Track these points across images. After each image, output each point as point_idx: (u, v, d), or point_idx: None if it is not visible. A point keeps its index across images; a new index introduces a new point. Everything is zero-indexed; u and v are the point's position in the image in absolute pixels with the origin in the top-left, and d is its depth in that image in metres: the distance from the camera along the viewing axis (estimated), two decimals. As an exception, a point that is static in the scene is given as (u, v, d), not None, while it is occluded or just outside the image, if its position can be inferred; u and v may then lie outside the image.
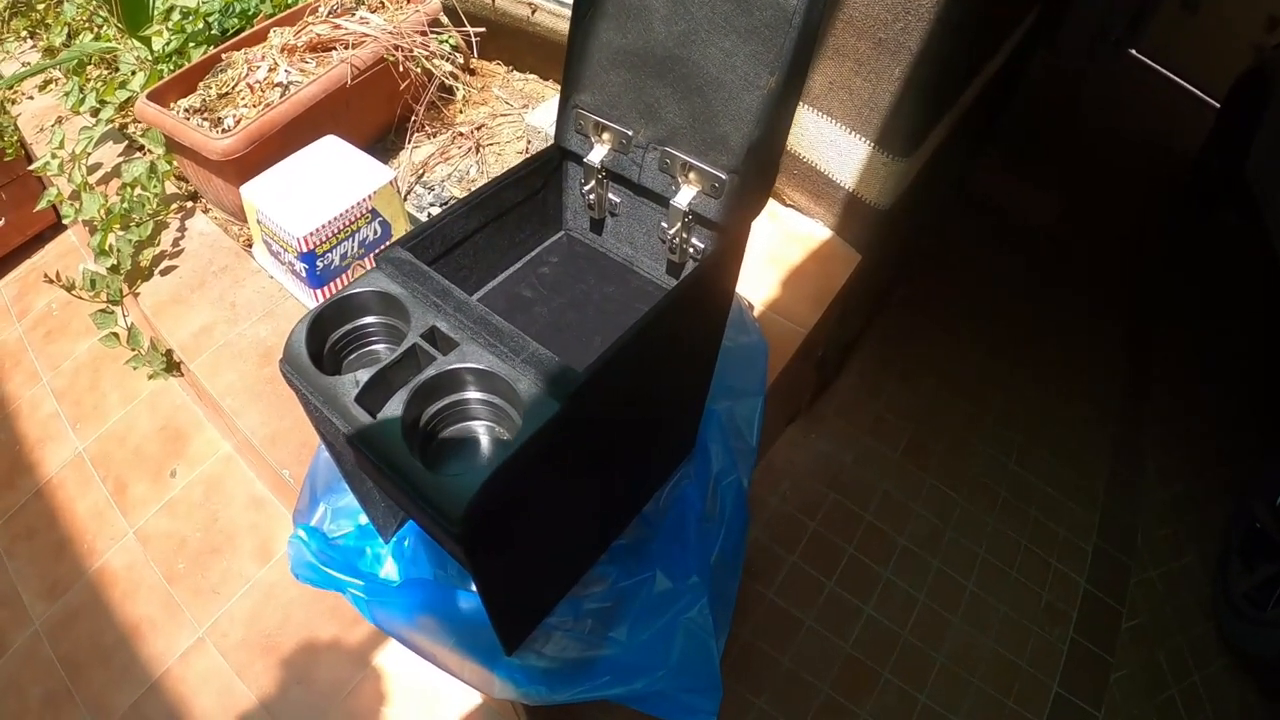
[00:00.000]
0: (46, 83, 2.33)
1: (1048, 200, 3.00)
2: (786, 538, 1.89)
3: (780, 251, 1.62)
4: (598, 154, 0.99)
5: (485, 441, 0.83)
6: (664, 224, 1.00)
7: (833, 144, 1.57)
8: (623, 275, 1.08)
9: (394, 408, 0.77)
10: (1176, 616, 1.98)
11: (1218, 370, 2.55)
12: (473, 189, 1.68)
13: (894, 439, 2.10)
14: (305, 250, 1.26)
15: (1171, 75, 3.70)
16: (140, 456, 1.97)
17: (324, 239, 1.27)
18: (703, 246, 0.99)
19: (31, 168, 1.69)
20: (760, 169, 0.89)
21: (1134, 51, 3.75)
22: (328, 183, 1.32)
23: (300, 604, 1.77)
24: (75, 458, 2.00)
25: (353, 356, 0.91)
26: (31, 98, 2.37)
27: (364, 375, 0.79)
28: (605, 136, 0.98)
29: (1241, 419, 2.40)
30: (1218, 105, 3.05)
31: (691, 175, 0.93)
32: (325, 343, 0.87)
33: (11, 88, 2.05)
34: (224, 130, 1.48)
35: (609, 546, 1.16)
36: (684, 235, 0.98)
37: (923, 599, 1.87)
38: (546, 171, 1.05)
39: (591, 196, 1.04)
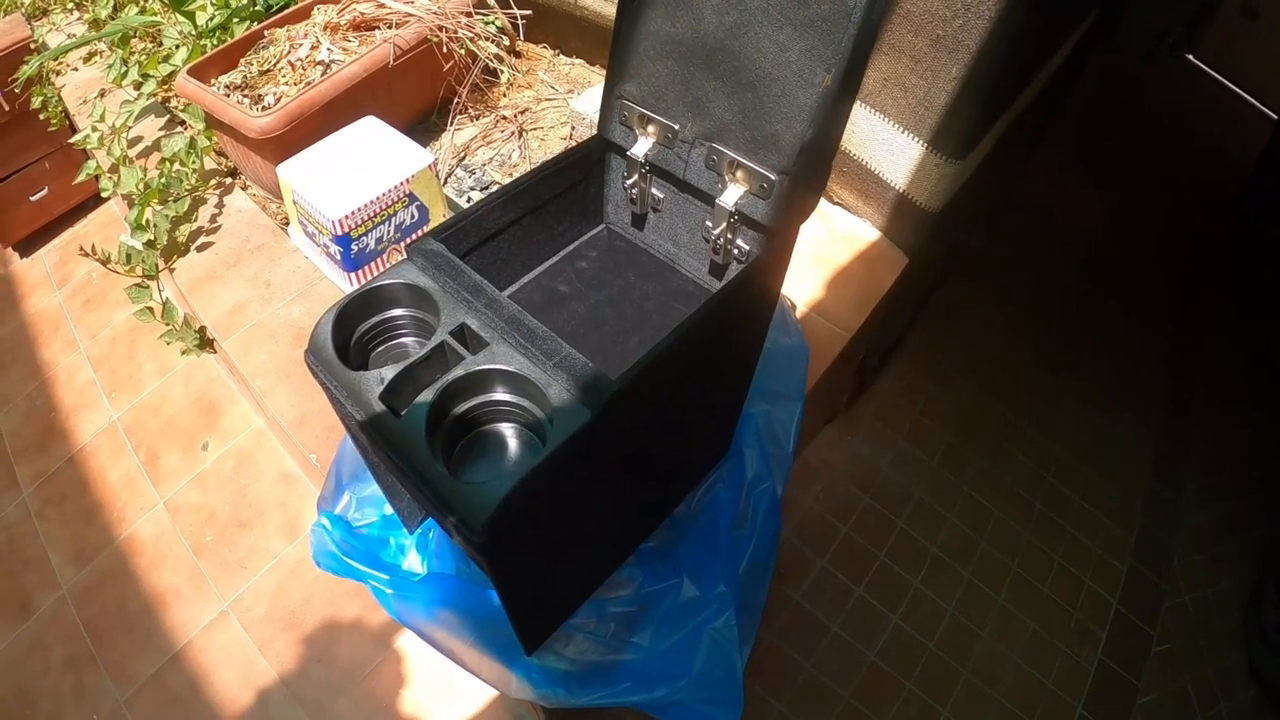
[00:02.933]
0: (91, 55, 2.33)
1: (1098, 205, 2.89)
2: (817, 541, 1.83)
3: (826, 250, 1.56)
4: (642, 147, 0.94)
5: (513, 444, 0.79)
6: (708, 223, 0.95)
7: (884, 142, 1.50)
8: (663, 273, 1.03)
9: (420, 407, 0.73)
10: (1207, 644, 1.90)
11: (1264, 391, 2.43)
12: (515, 174, 1.65)
13: (931, 445, 2.03)
14: (340, 233, 1.22)
15: (1229, 84, 3.53)
16: (173, 428, 1.97)
17: (359, 222, 1.23)
18: (748, 248, 0.93)
19: (72, 140, 1.67)
20: (812, 171, 0.84)
21: (1191, 57, 3.58)
22: (365, 165, 1.28)
23: (324, 583, 1.75)
24: (109, 426, 2.00)
25: (380, 349, 0.87)
26: (76, 69, 2.37)
27: (389, 372, 0.75)
28: (650, 129, 0.93)
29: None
30: (1275, 117, 2.91)
31: (739, 174, 0.87)
32: (353, 334, 0.84)
33: (57, 59, 2.04)
34: (264, 108, 1.45)
35: (636, 549, 1.12)
36: (729, 236, 0.93)
37: (951, 611, 1.80)
38: (588, 163, 1.00)
39: (634, 191, 0.99)
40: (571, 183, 1.00)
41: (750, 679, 1.62)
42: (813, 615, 1.76)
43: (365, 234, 1.25)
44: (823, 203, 1.64)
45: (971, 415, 2.13)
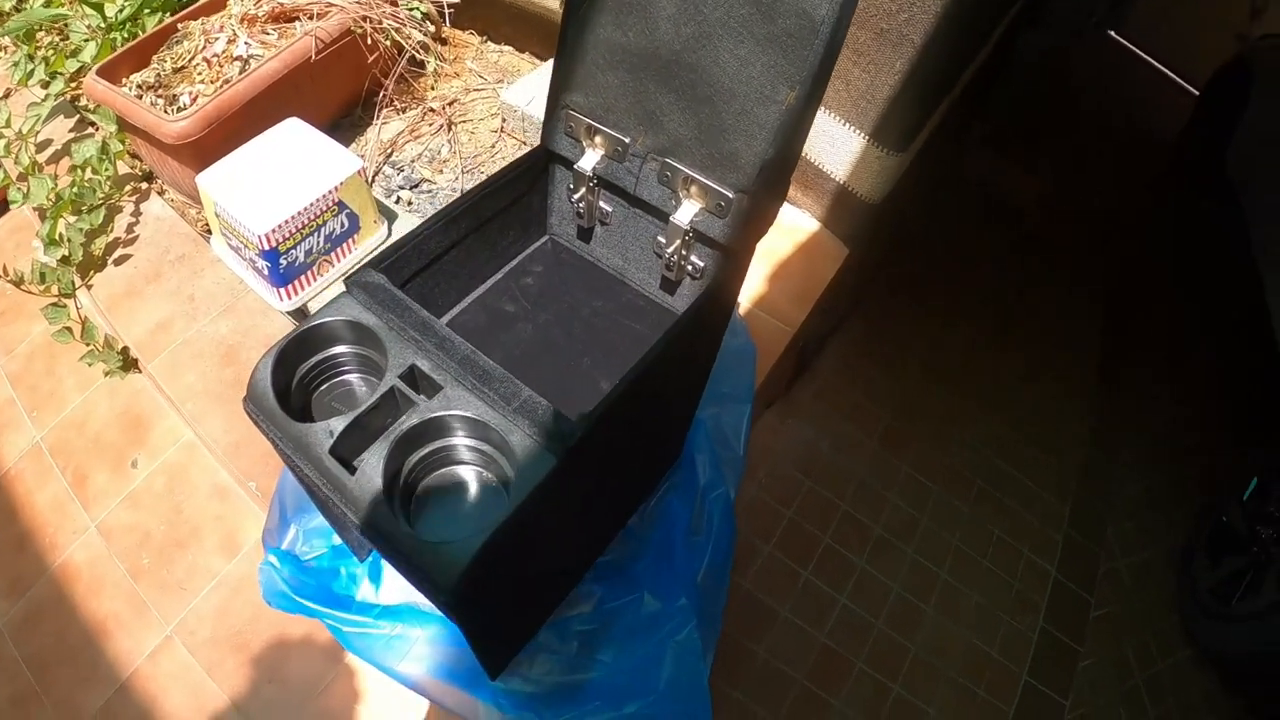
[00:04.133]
0: (-9, 53, 2.12)
1: (1029, 181, 2.94)
2: (763, 528, 1.84)
3: (766, 243, 1.52)
4: (590, 160, 0.89)
5: (473, 488, 0.75)
6: (661, 239, 0.91)
7: (825, 134, 1.48)
8: (612, 287, 0.98)
9: (373, 460, 0.68)
10: (1143, 608, 1.99)
11: (1191, 363, 2.53)
12: (444, 170, 1.57)
13: (872, 426, 2.05)
14: (267, 248, 1.14)
15: (1153, 61, 3.62)
16: (100, 446, 1.85)
17: (287, 235, 1.15)
18: (702, 264, 0.90)
19: None
20: (772, 188, 0.80)
21: (1114, 34, 3.66)
22: (291, 173, 1.19)
23: (271, 601, 1.68)
24: (33, 447, 1.86)
25: (323, 388, 0.81)
26: (-25, 70, 2.16)
27: (338, 424, 0.69)
28: (598, 141, 0.88)
29: (1212, 413, 2.39)
30: (1197, 93, 2.99)
31: (694, 190, 0.83)
32: (293, 376, 0.78)
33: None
34: (179, 109, 1.34)
35: (593, 564, 1.09)
36: (683, 253, 0.89)
37: (897, 589, 1.84)
38: (532, 176, 0.95)
39: (581, 204, 0.94)
40: (515, 196, 0.94)
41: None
42: (762, 601, 1.76)
43: (294, 247, 1.17)
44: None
45: (912, 395, 2.15)
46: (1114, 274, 2.73)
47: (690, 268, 0.91)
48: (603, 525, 1.04)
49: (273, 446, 0.75)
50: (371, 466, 0.67)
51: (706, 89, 0.77)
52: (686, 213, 0.84)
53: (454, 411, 0.70)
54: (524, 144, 1.56)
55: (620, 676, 1.04)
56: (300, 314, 1.33)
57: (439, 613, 1.04)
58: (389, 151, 1.54)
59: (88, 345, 1.43)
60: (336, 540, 1.07)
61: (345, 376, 0.80)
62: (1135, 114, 3.47)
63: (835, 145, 1.48)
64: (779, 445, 1.96)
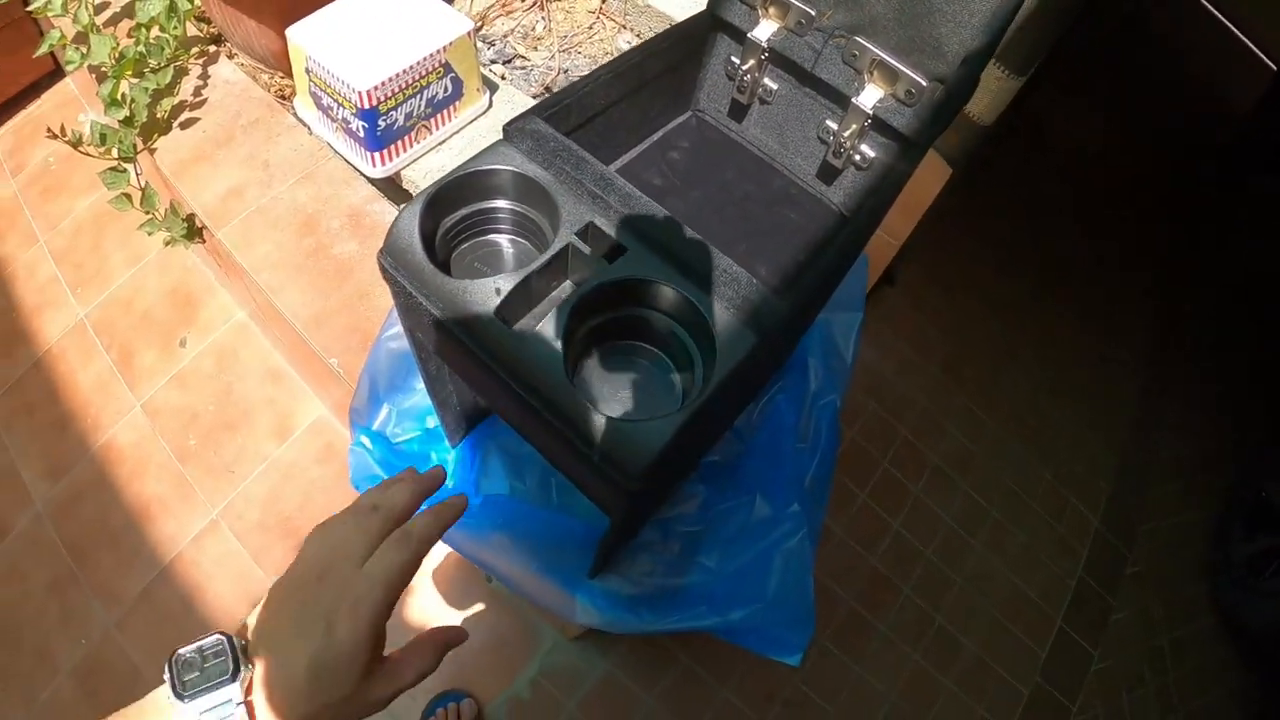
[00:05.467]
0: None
1: (1097, 131, 2.82)
2: (827, 445, 1.79)
3: (873, 158, 1.44)
4: (765, 31, 0.78)
5: (643, 367, 0.65)
6: (831, 123, 0.80)
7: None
8: (763, 173, 0.88)
9: (546, 326, 0.58)
10: (1175, 571, 1.97)
11: (1239, 336, 2.47)
12: (539, 47, 1.44)
13: (932, 353, 1.98)
14: (366, 107, 1.01)
15: (1234, 29, 3.43)
16: (148, 323, 1.74)
17: (389, 94, 1.03)
18: (872, 155, 0.79)
19: (31, 7, 1.37)
20: (969, 82, 0.70)
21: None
22: (394, 29, 1.06)
23: (320, 486, 1.61)
24: (77, 325, 1.75)
25: (465, 246, 0.70)
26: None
27: (505, 283, 0.59)
28: (775, 11, 0.77)
29: (1260, 387, 2.34)
30: (1275, 68, 2.85)
31: (881, 75, 0.73)
32: (437, 228, 0.67)
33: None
34: (259, -42, 1.19)
35: (701, 463, 1.02)
36: (855, 141, 0.79)
37: (949, 520, 1.79)
38: (692, 44, 0.83)
39: (746, 79, 0.82)
40: (670, 64, 0.83)
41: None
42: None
43: (394, 108, 1.05)
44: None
45: (971, 328, 2.08)
46: (1171, 237, 2.64)
47: (859, 158, 0.80)
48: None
49: (403, 309, 0.66)
50: (546, 334, 0.57)
51: (923, -39, 0.65)
52: (870, 97, 0.74)
53: (640, 276, 0.60)
54: (624, 27, 1.43)
55: (725, 582, 0.97)
56: (390, 183, 1.21)
57: (539, 504, 0.97)
58: (479, 25, 1.39)
59: (147, 213, 1.30)
60: (430, 423, 0.99)
61: (493, 235, 0.70)
62: (1210, 80, 3.31)
63: (956, 60, 1.36)
64: (846, 364, 1.90)
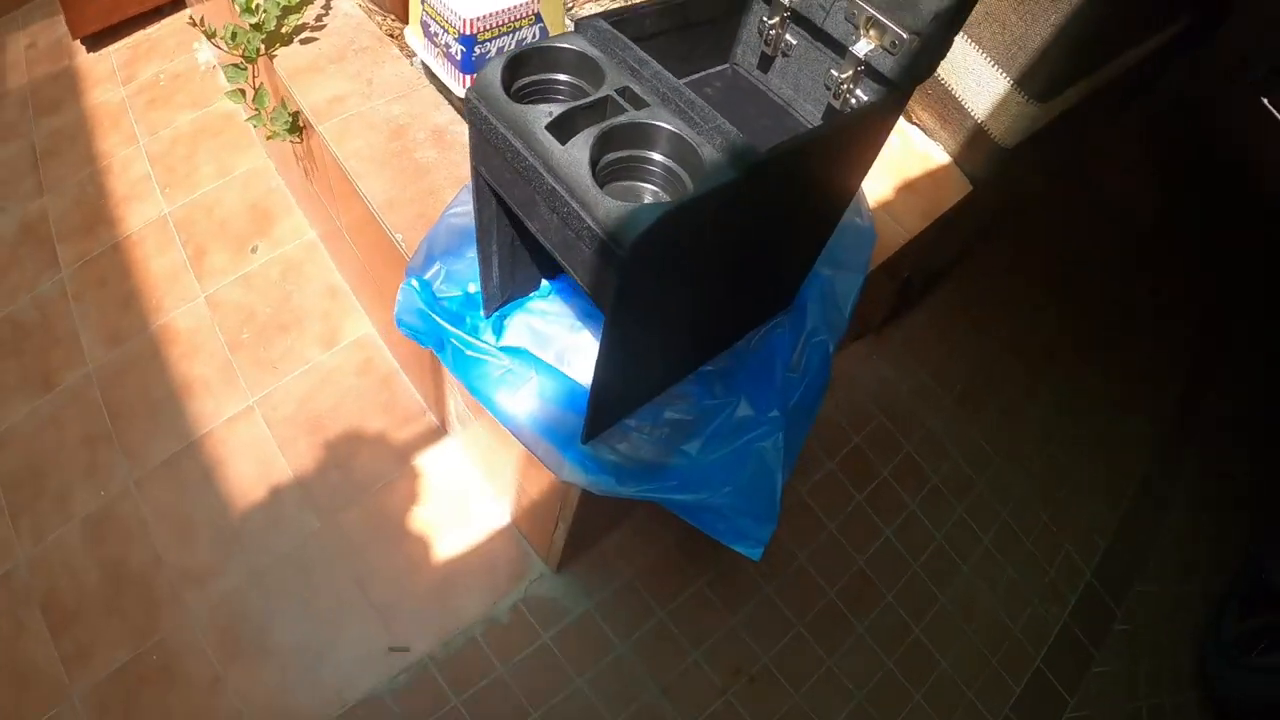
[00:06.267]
0: None
1: (1149, 198, 3.09)
2: (830, 445, 2.02)
3: (900, 163, 1.73)
4: (789, -7, 1.09)
5: (650, 194, 0.94)
6: (834, 71, 1.10)
7: (973, 72, 1.66)
8: (780, 114, 1.18)
9: (581, 140, 0.87)
10: (1166, 637, 2.12)
11: (1264, 420, 2.65)
12: (613, 7, 1.78)
13: (951, 384, 2.23)
14: (468, 33, 1.36)
15: None
16: (224, 228, 2.10)
17: (488, 27, 1.37)
18: (866, 99, 1.09)
19: None
20: (939, 37, 0.99)
21: (1267, 101, 3.76)
22: (499, -21, 1.42)
23: (355, 394, 1.91)
24: (159, 219, 2.13)
25: (528, 105, 1.01)
26: None
27: (557, 108, 0.90)
28: (797, -23, 1.09)
29: (1274, 473, 2.51)
30: None
31: (873, 30, 1.03)
32: (512, 84, 0.98)
33: None
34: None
35: (698, 369, 1.28)
36: (851, 85, 1.08)
37: (940, 539, 2.00)
38: (731, 2, 1.15)
39: (771, 32, 1.14)
40: (712, 15, 1.15)
41: (744, 561, 1.82)
42: (814, 511, 1.94)
43: (489, 40, 1.39)
44: (902, 122, 1.81)
45: (993, 367, 2.32)
46: (1211, 314, 2.86)
47: (854, 100, 1.10)
48: (718, 320, 1.24)
49: (477, 138, 0.96)
50: (578, 145, 0.87)
51: (903, -56, 0.96)
52: (863, 47, 1.03)
53: (656, 122, 0.90)
54: None
55: (700, 469, 1.22)
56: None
57: (555, 365, 1.24)
58: (571, -7, 1.77)
59: (256, 109, 1.66)
60: (471, 289, 1.28)
61: (556, 100, 1.00)
62: (1264, 178, 3.58)
63: (981, 84, 1.66)
64: (861, 375, 2.15)
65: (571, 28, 1.03)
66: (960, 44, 1.66)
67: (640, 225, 0.81)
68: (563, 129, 0.90)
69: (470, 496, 1.83)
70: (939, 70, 1.70)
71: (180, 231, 2.10)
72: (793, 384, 1.30)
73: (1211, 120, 3.61)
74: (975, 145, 1.73)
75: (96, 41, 2.48)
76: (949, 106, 1.73)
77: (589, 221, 0.84)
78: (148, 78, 2.38)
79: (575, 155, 0.86)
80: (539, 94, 1.00)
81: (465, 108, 0.95)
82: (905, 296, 2.12)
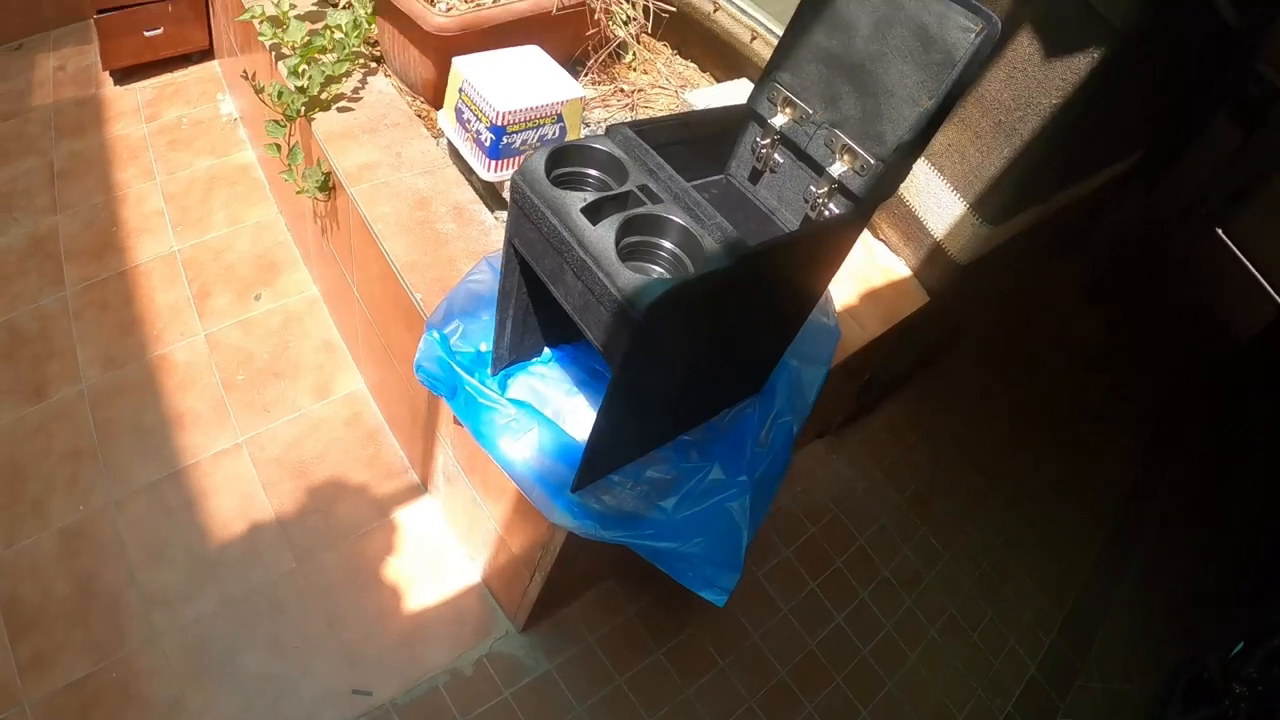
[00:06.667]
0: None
1: (1102, 327, 3.47)
2: (787, 533, 2.24)
3: (866, 273, 2.02)
4: (779, 120, 1.38)
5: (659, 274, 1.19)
6: (813, 187, 1.38)
7: (934, 195, 1.98)
8: (765, 220, 1.46)
9: (608, 223, 1.13)
10: (1106, 732, 2.32)
11: (1208, 523, 2.95)
12: (629, 118, 2.09)
13: (904, 485, 2.47)
14: (499, 123, 1.63)
15: (1251, 268, 4.15)
16: (230, 273, 2.32)
17: (517, 120, 1.64)
18: (837, 212, 1.37)
19: None
20: (900, 165, 1.28)
21: (1221, 232, 4.20)
22: (529, 79, 1.69)
23: (341, 445, 2.10)
24: (168, 254, 2.35)
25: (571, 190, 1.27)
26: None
27: (590, 196, 1.15)
28: (788, 110, 1.37)
29: (1220, 570, 2.78)
30: None
31: (846, 155, 1.31)
32: (551, 173, 1.24)
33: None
34: (436, 12, 1.88)
35: (677, 439, 1.51)
36: (825, 199, 1.36)
37: (889, 628, 2.20)
38: (732, 122, 1.44)
39: (763, 151, 1.42)
40: (714, 133, 1.44)
41: (701, 636, 2.01)
42: (769, 593, 2.15)
43: (516, 132, 1.66)
44: (869, 235, 2.11)
45: (945, 471, 2.58)
46: (1158, 435, 3.18)
47: (827, 212, 1.38)
48: (700, 398, 1.47)
49: (516, 216, 1.21)
50: (606, 226, 1.12)
51: (875, 87, 1.25)
52: (838, 168, 1.32)
53: (669, 215, 1.15)
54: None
55: (675, 521, 1.44)
56: (492, 190, 1.82)
57: (554, 420, 1.46)
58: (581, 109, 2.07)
59: (289, 165, 1.91)
60: (483, 347, 1.51)
61: (587, 189, 1.26)
62: (1218, 307, 4.01)
63: (941, 206, 1.97)
64: (819, 472, 2.39)
65: (586, 129, 1.29)
66: (924, 170, 1.97)
67: (654, 294, 1.06)
68: (592, 213, 1.16)
69: (444, 553, 2.00)
70: (905, 192, 2.03)
71: (187, 269, 2.31)
72: (760, 456, 1.53)
73: (1166, 248, 4.05)
74: (934, 261, 2.03)
75: (125, 76, 2.75)
76: (912, 225, 2.04)
77: (611, 289, 1.09)
78: (170, 119, 2.64)
79: (603, 234, 1.11)
80: (572, 183, 1.26)
81: (510, 188, 1.20)
82: (864, 400, 2.39)
